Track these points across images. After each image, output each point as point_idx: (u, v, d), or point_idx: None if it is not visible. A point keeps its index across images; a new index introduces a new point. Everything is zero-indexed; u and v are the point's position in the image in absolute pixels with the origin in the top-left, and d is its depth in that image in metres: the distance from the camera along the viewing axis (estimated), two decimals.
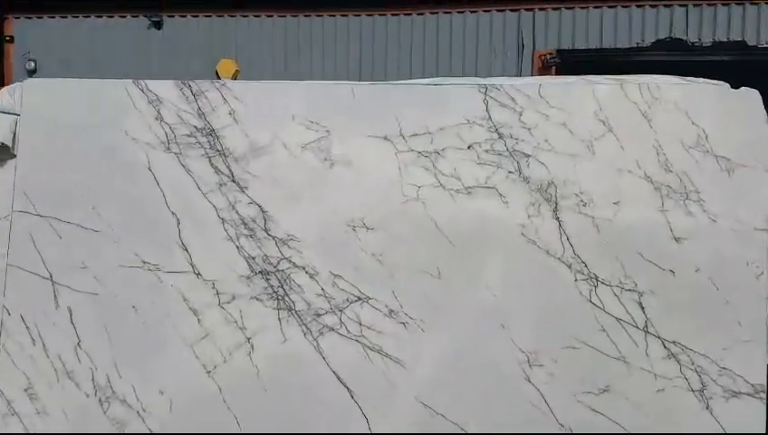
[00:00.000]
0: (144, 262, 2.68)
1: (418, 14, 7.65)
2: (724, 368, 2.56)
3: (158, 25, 8.20)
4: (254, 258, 2.67)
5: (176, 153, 2.70)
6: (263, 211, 2.68)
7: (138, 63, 7.86)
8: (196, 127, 2.70)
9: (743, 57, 6.97)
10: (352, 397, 2.67)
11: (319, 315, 2.69)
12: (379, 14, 7.71)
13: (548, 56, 7.20)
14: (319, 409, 2.67)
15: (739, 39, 6.91)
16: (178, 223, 2.68)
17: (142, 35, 8.22)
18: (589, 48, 7.18)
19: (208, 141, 2.70)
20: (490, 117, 2.68)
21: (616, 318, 2.61)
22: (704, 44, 6.97)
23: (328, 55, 7.78)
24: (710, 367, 2.56)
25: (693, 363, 2.57)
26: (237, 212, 2.68)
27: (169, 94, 2.72)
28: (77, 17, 8.19)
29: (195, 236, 2.67)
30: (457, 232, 2.69)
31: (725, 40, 6.96)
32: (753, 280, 2.57)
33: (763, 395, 2.54)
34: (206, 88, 2.72)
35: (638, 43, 7.10)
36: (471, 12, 7.51)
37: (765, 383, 2.54)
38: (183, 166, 2.69)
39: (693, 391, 2.56)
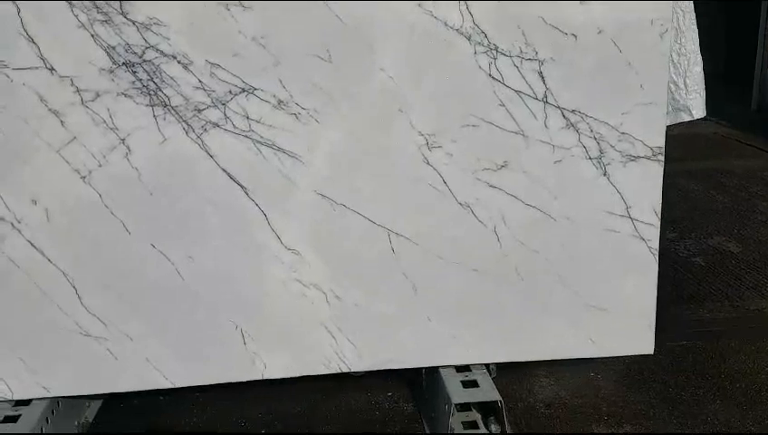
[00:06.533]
0: None
1: None
2: (623, 133, 2.49)
3: None
4: (114, 48, 2.34)
5: None
6: None
7: None
8: None
9: None
10: (247, 194, 2.53)
11: (200, 111, 2.45)
12: None
13: None
14: (212, 208, 2.53)
15: None
16: (18, 10, 2.29)
17: None
18: None
19: None
20: None
21: (515, 91, 2.46)
22: None
23: None
24: (609, 133, 2.49)
25: (592, 131, 2.49)
26: None
27: None
28: None
29: (41, 25, 2.30)
30: (347, 8, 2.41)
31: None
32: (657, 39, 2.42)
33: (661, 157, 2.51)
34: None
35: None
36: None
37: (663, 145, 2.50)
38: None
39: (590, 158, 2.51)
